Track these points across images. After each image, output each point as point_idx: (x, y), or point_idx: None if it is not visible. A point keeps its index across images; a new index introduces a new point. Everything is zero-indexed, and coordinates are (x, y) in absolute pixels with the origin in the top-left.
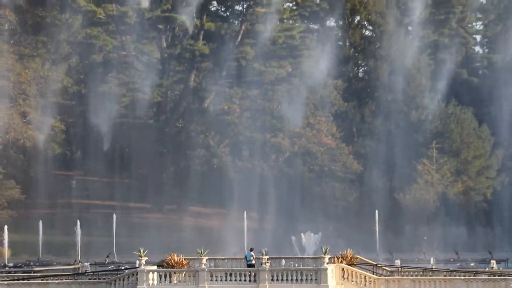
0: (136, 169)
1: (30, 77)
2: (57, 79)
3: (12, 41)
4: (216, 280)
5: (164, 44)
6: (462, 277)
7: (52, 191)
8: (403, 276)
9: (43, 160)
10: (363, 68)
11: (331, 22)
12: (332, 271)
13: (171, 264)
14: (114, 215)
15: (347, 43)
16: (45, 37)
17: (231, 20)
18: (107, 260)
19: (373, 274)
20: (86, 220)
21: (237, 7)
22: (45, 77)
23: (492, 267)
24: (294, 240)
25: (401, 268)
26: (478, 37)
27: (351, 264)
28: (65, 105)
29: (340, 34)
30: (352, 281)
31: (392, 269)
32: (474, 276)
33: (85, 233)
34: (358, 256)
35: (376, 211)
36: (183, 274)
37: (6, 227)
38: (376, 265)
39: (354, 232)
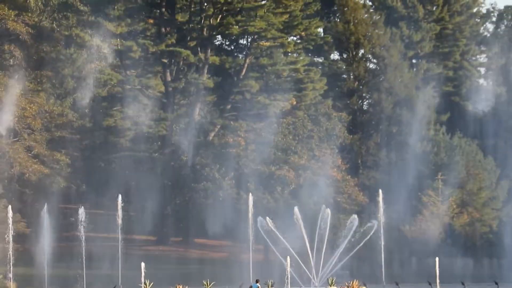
0: (141, 202)
1: (34, 111)
2: (61, 114)
3: (16, 76)
4: None
5: (169, 78)
6: None
7: (58, 224)
8: None
9: (48, 194)
10: (367, 101)
11: (335, 55)
12: None
13: None
14: (119, 248)
15: (351, 76)
16: (50, 72)
17: (236, 54)
18: None
19: None
20: (92, 253)
21: (241, 41)
22: (50, 112)
23: None
24: (261, 221)
25: None
26: (482, 70)
27: None
28: (70, 139)
29: (344, 67)
30: None
31: None
32: None
33: (90, 266)
34: (364, 287)
35: (382, 242)
36: None
37: (12, 260)
38: None
39: (359, 264)
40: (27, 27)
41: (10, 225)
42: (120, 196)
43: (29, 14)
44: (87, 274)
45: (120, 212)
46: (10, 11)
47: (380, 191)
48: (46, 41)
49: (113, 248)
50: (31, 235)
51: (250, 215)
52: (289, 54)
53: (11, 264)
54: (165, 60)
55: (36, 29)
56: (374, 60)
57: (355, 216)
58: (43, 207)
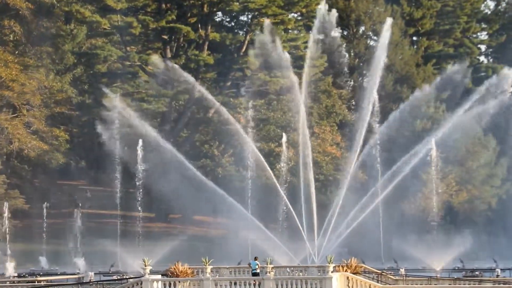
0: (140, 179)
1: (34, 87)
2: (61, 90)
3: (16, 52)
4: None
5: (169, 55)
6: (467, 285)
7: (57, 201)
8: (408, 284)
9: (47, 170)
10: (367, 78)
11: (335, 33)
12: (337, 280)
13: (175, 273)
14: (118, 225)
15: (352, 53)
16: (50, 48)
17: (236, 31)
18: (111, 270)
19: (378, 282)
20: (90, 230)
21: (241, 18)
22: (50, 88)
23: (497, 275)
24: None
25: (405, 276)
26: (483, 47)
27: (355, 272)
28: (69, 116)
29: (345, 44)
30: None
31: (397, 277)
32: (479, 284)
33: (89, 242)
34: (362, 265)
35: (381, 220)
36: (188, 283)
37: (7, 237)
38: (380, 274)
39: (358, 241)
40: (27, 3)
41: (6, 203)
42: (119, 173)
43: None
44: (85, 250)
45: (118, 189)
46: None
47: (380, 168)
48: (46, 16)
49: (112, 225)
50: (30, 211)
51: (249, 193)
52: (290, 31)
53: (7, 240)
54: (165, 37)
55: (36, 4)
56: (375, 37)
57: None
58: (42, 183)
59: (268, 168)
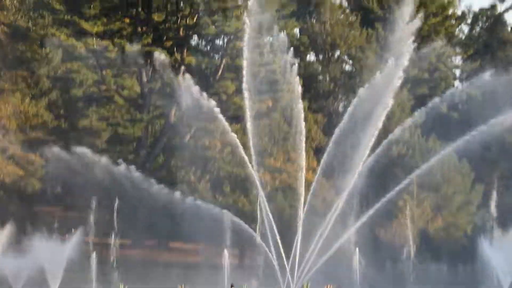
0: (115, 205)
1: (9, 112)
2: (37, 114)
3: None
4: None
5: (145, 79)
6: None
7: (32, 227)
8: None
9: (22, 196)
10: (343, 103)
11: (311, 57)
12: None
13: None
14: (94, 252)
15: (327, 78)
16: (25, 72)
17: (212, 55)
18: None
19: None
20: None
21: (217, 42)
22: (25, 112)
23: None
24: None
25: None
26: (458, 72)
27: None
28: (45, 140)
29: (320, 68)
30: None
31: None
32: None
33: (65, 269)
34: None
35: (357, 247)
36: None
37: None
38: None
39: (334, 268)
40: (2, 26)
41: None
42: (94, 199)
43: (5, 13)
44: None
45: (93, 216)
46: None
47: (356, 194)
48: (22, 40)
49: (87, 252)
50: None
51: (226, 219)
52: (265, 54)
53: None
54: (141, 61)
55: (11, 28)
56: (350, 62)
57: None
58: (17, 209)
59: (262, 193)
